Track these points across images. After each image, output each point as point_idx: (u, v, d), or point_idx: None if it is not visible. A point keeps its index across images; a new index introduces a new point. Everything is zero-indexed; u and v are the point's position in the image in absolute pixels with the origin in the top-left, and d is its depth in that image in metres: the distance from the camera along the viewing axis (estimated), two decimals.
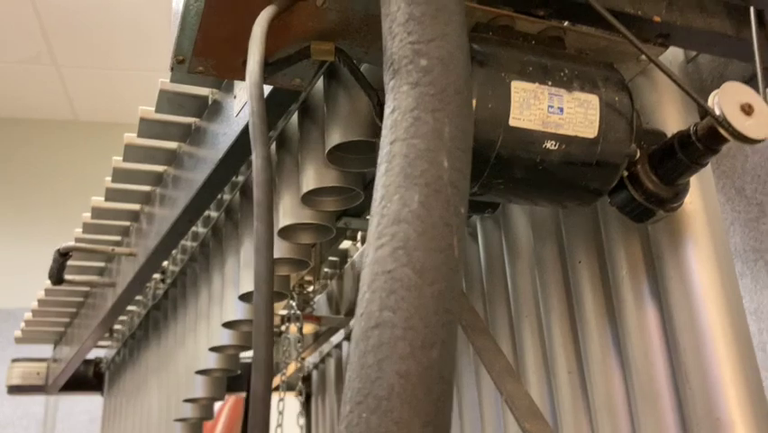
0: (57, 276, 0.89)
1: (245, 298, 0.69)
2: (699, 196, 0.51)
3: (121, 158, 0.78)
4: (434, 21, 0.29)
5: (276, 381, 1.35)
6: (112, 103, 2.92)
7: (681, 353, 0.49)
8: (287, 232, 0.62)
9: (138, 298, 1.10)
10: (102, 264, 1.05)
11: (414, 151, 0.27)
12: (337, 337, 1.37)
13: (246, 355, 1.43)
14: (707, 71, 0.59)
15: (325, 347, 1.46)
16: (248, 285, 0.69)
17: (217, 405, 2.29)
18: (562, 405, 0.61)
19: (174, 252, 0.91)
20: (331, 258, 1.10)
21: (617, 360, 0.56)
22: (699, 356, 0.48)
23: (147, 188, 0.85)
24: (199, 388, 0.85)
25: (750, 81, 0.60)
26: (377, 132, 0.52)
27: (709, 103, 0.41)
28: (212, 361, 0.81)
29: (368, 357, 0.24)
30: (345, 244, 1.08)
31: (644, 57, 0.49)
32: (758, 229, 1.06)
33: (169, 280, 0.98)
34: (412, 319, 0.24)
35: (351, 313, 1.06)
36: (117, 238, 0.97)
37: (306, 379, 1.62)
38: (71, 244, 0.89)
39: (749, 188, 1.07)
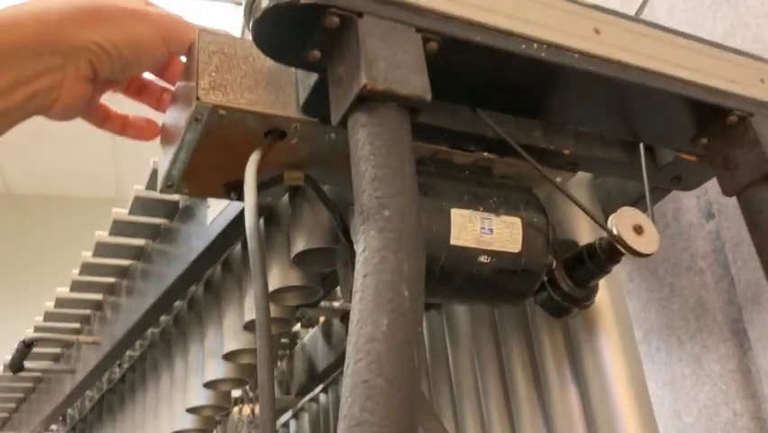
0: (18, 365, 0.92)
1: (210, 385, 0.75)
2: (608, 294, 0.61)
3: (90, 253, 0.84)
4: (393, 180, 0.38)
5: None
6: (45, 175, 2.92)
7: (598, 428, 0.58)
8: (250, 325, 0.69)
9: None
10: (58, 351, 1.08)
11: (382, 283, 0.35)
12: (284, 417, 1.41)
13: None
14: (611, 186, 0.70)
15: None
16: (213, 373, 0.75)
17: None
18: None
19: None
20: (281, 340, 1.16)
21: None
22: (611, 430, 0.57)
23: (112, 279, 0.90)
24: None
25: (642, 198, 0.72)
26: (336, 239, 0.60)
27: (608, 224, 0.51)
28: None
29: None
30: (296, 327, 1.15)
31: (558, 179, 0.60)
32: (670, 308, 1.18)
33: (126, 365, 1.02)
34: (386, 419, 0.32)
35: (301, 393, 1.11)
36: (77, 326, 1.01)
37: None
38: (35, 334, 0.92)
39: (661, 270, 1.19)
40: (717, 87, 0.54)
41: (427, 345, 0.86)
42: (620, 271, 1.33)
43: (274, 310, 0.68)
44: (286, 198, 0.64)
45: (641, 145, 0.58)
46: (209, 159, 0.52)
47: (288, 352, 1.17)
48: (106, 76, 0.50)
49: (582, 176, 0.66)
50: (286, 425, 1.42)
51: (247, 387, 1.08)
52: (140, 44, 0.50)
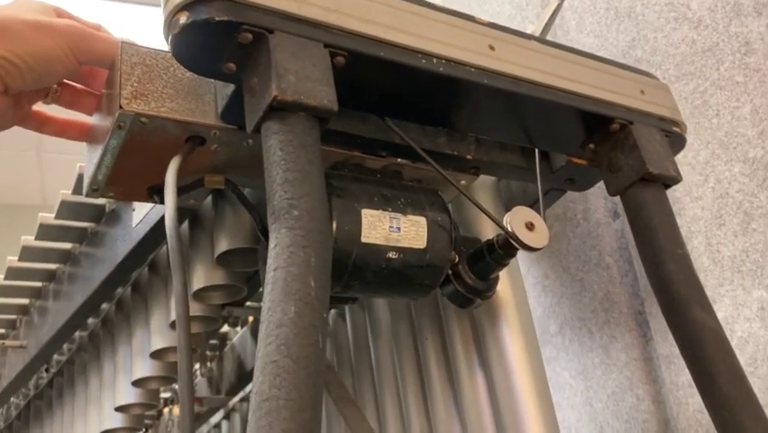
0: None
1: (139, 383, 0.78)
2: (509, 286, 0.67)
3: (16, 258, 0.85)
4: (302, 183, 0.42)
5: None
6: None
7: (501, 409, 0.63)
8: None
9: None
10: None
11: (290, 276, 0.39)
12: (216, 418, 1.43)
13: None
14: (514, 188, 0.76)
15: (204, 428, 1.51)
16: (141, 371, 0.77)
17: None
18: None
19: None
20: (211, 341, 1.18)
21: (457, 420, 0.70)
22: (513, 413, 0.62)
23: (39, 283, 0.91)
24: None
25: (544, 195, 0.78)
26: (257, 239, 0.64)
27: (503, 222, 0.56)
28: None
29: (261, 420, 0.35)
30: (225, 328, 1.17)
31: (462, 182, 0.65)
32: (581, 301, 1.26)
33: (54, 370, 1.02)
34: (291, 393, 0.36)
35: (231, 393, 1.14)
36: (2, 331, 1.01)
37: None
38: None
39: (572, 266, 1.27)
40: (601, 98, 0.61)
41: (351, 340, 0.91)
42: (535, 268, 1.41)
43: (200, 309, 0.71)
44: (209, 201, 0.67)
45: (536, 151, 0.64)
46: (133, 164, 0.55)
47: (217, 352, 1.19)
48: (19, 88, 0.52)
49: (487, 179, 0.71)
50: (218, 426, 1.44)
51: (177, 386, 1.10)
52: (46, 56, 0.51)
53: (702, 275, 0.99)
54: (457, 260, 0.60)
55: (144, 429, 1.53)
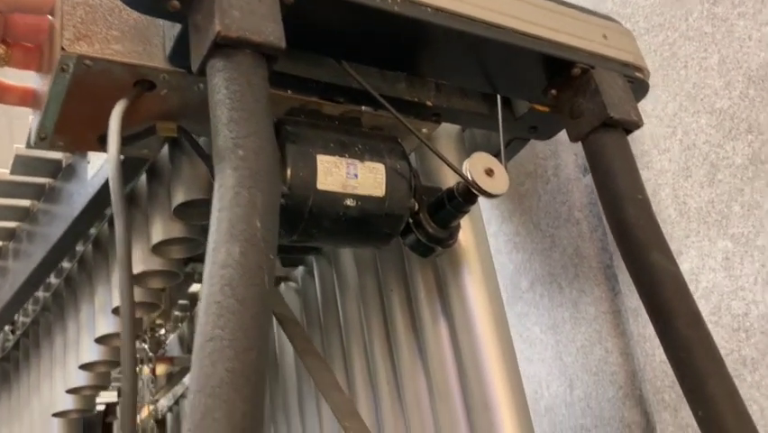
0: None
1: (102, 340, 0.77)
2: (472, 234, 0.66)
3: None
4: (248, 122, 0.41)
5: None
6: None
7: (463, 356, 0.63)
8: (139, 278, 0.71)
9: None
10: None
11: (235, 216, 0.38)
12: (188, 377, 1.42)
13: (101, 401, 1.45)
14: (479, 137, 0.75)
15: (179, 389, 1.51)
16: (104, 328, 0.76)
17: None
18: (383, 408, 0.74)
19: (26, 303, 0.95)
20: (181, 301, 1.17)
21: (422, 368, 0.70)
22: (474, 358, 0.62)
23: None
24: (56, 431, 0.90)
25: (508, 145, 0.78)
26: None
27: (462, 169, 0.56)
28: (69, 403, 0.86)
29: (205, 361, 0.35)
30: (195, 287, 1.16)
31: (424, 130, 0.64)
32: (551, 257, 1.27)
33: (19, 332, 1.01)
34: (235, 334, 0.35)
35: None
36: None
37: (161, 422, 1.65)
38: None
39: (543, 223, 1.27)
40: (563, 41, 0.60)
41: (319, 292, 0.90)
42: (506, 226, 1.41)
43: (160, 263, 0.70)
44: (167, 152, 0.66)
45: (498, 97, 0.63)
46: (80, 111, 0.53)
47: (188, 313, 1.18)
48: None
49: (451, 129, 0.70)
50: None
51: (146, 346, 1.09)
52: None
53: (669, 227, 1.00)
54: (417, 208, 0.59)
55: (119, 393, 1.53)
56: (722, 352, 0.89)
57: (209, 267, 0.37)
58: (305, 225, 0.53)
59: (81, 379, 0.83)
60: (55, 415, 0.88)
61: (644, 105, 1.01)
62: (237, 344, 0.35)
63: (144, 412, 1.46)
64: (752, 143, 0.87)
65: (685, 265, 0.97)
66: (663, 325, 0.53)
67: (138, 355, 1.08)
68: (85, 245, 0.83)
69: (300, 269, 0.97)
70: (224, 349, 0.34)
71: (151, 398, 1.07)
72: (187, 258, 0.72)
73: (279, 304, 0.73)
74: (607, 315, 1.10)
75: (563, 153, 1.26)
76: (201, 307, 0.37)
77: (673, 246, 1.01)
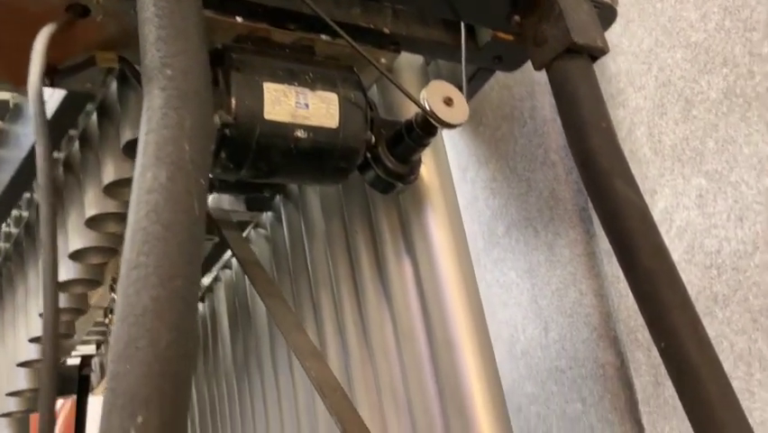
0: None
1: (62, 287, 0.75)
2: (435, 171, 0.64)
3: None
4: (176, 41, 0.38)
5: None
6: None
7: (426, 296, 0.62)
8: (94, 222, 0.68)
9: None
10: None
11: (162, 138, 0.36)
12: None
13: (77, 354, 1.44)
14: (445, 69, 0.72)
15: None
16: (64, 274, 0.74)
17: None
18: (351, 350, 0.73)
19: None
20: None
21: (387, 309, 0.69)
22: (437, 296, 0.61)
23: None
24: (22, 380, 0.88)
25: (473, 76, 0.75)
26: None
27: (420, 98, 0.53)
28: (33, 352, 0.85)
29: (129, 289, 0.33)
30: None
31: (383, 60, 0.61)
32: (527, 201, 1.25)
33: None
34: (160, 261, 0.33)
35: None
36: None
37: None
38: None
39: (520, 166, 1.25)
40: None
41: (287, 238, 0.88)
42: (483, 171, 1.39)
43: (114, 206, 0.67)
44: (116, 89, 0.63)
45: (462, 24, 0.60)
46: (12, 39, 0.50)
47: None
48: None
49: (414, 60, 0.68)
50: None
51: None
52: None
53: (644, 166, 0.98)
54: (375, 142, 0.57)
55: (97, 345, 1.52)
56: (694, 290, 0.88)
57: (135, 193, 0.35)
58: (253, 158, 0.50)
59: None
60: (20, 365, 0.86)
61: (620, 42, 0.98)
62: (162, 271, 0.33)
63: None
64: (727, 77, 0.85)
65: (660, 204, 0.96)
66: (626, 256, 0.52)
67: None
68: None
69: (269, 214, 0.95)
70: (149, 277, 0.32)
71: None
72: None
73: (241, 247, 0.71)
74: (581, 257, 1.09)
75: (539, 95, 1.23)
76: (127, 235, 0.35)
77: (648, 185, 0.99)
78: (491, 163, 1.34)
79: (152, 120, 0.36)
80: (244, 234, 1.02)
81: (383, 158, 0.57)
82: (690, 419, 0.49)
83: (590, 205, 1.18)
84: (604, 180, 0.52)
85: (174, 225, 0.34)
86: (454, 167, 1.43)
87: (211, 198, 0.94)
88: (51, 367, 0.38)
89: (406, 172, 0.59)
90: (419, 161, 0.60)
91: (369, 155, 0.57)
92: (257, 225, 0.99)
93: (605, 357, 1.05)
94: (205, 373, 1.22)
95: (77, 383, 1.48)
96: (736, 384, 0.82)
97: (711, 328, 0.84)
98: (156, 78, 0.37)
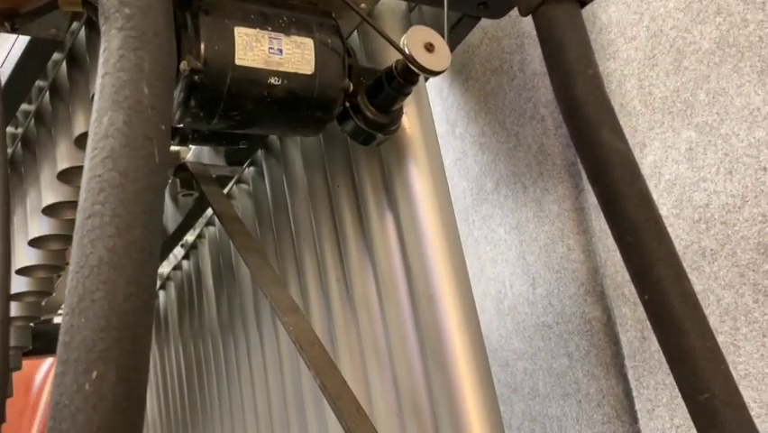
0: None
1: (36, 243, 0.73)
2: (417, 121, 0.62)
3: None
4: None
5: None
6: None
7: (407, 249, 0.60)
8: (65, 175, 0.66)
9: None
10: None
11: (119, 81, 0.34)
12: None
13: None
14: (428, 16, 0.70)
15: None
16: (37, 230, 0.73)
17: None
18: (334, 307, 0.72)
19: None
20: None
21: (370, 265, 0.67)
22: (419, 249, 0.59)
23: None
24: None
25: (457, 24, 0.73)
26: None
27: (400, 44, 0.51)
28: (13, 310, 0.83)
29: (84, 240, 0.31)
30: None
31: (362, 5, 0.59)
32: (516, 156, 1.24)
33: None
34: (117, 209, 0.31)
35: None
36: None
37: None
38: None
39: (508, 121, 1.23)
40: None
41: (269, 193, 0.87)
42: (472, 126, 1.37)
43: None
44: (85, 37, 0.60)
45: None
46: None
47: None
48: None
49: (397, 6, 0.65)
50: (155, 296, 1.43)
51: None
52: None
53: (634, 119, 0.96)
54: (354, 90, 0.54)
55: None
56: (682, 244, 0.87)
57: (91, 138, 0.33)
58: (225, 106, 0.48)
59: (22, 285, 0.80)
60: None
61: None
62: (119, 220, 0.31)
63: None
64: (720, 26, 0.83)
65: (649, 158, 0.94)
66: (611, 206, 0.50)
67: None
68: (14, 146, 0.78)
69: (251, 169, 0.93)
70: (105, 226, 0.31)
71: None
72: None
73: (220, 202, 0.69)
74: (570, 212, 1.08)
75: (529, 47, 1.20)
76: (82, 183, 0.33)
77: (637, 139, 0.98)
78: (480, 118, 1.32)
79: (109, 62, 0.34)
80: (227, 190, 1.00)
81: (363, 107, 0.55)
82: (673, 372, 0.49)
83: (579, 160, 1.16)
84: (590, 130, 0.51)
85: (131, 173, 0.32)
86: (443, 122, 1.41)
87: (191, 153, 0.92)
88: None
89: (387, 122, 0.57)
90: (401, 111, 0.58)
91: (348, 104, 0.55)
92: (240, 181, 0.97)
93: (592, 312, 1.05)
94: (191, 331, 1.22)
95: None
96: (721, 339, 0.82)
97: (698, 283, 0.84)
98: (113, 18, 0.35)
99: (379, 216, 0.64)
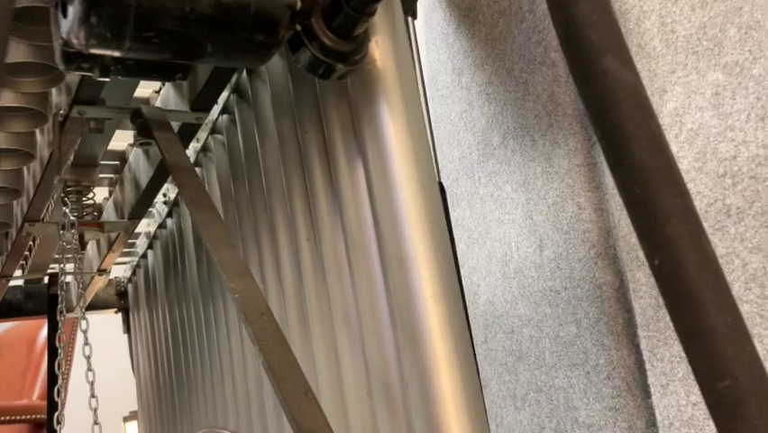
0: None
1: None
2: (391, 53, 0.52)
3: None
4: None
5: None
6: None
7: (376, 204, 0.51)
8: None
9: None
10: None
11: None
12: (142, 247, 1.34)
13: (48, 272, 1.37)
14: None
15: (135, 259, 1.43)
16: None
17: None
18: (305, 270, 0.64)
19: None
20: (111, 162, 1.05)
21: (339, 223, 0.59)
22: (388, 204, 0.50)
23: None
24: None
25: None
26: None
27: None
28: None
29: None
30: (123, 145, 1.04)
31: None
32: (524, 107, 1.13)
33: None
34: None
35: (133, 217, 1.03)
36: None
37: (123, 294, 1.58)
38: None
39: (516, 68, 1.13)
40: None
41: (242, 146, 0.78)
42: (479, 75, 1.26)
43: (13, 99, 0.57)
44: None
45: None
46: None
47: (119, 175, 1.07)
48: None
49: None
50: (144, 256, 1.36)
51: (67, 210, 0.98)
52: None
53: (653, 62, 0.86)
54: (303, 8, 0.45)
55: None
56: (704, 202, 0.77)
57: None
58: (135, 24, 0.39)
59: None
60: None
61: None
62: None
63: (98, 284, 1.39)
64: None
65: (669, 105, 0.84)
66: (615, 151, 0.41)
67: (59, 221, 0.98)
68: None
69: (225, 117, 0.84)
70: None
71: (78, 267, 0.97)
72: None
73: (172, 151, 0.60)
74: (581, 168, 0.99)
75: None
76: None
77: (657, 84, 0.87)
78: (487, 65, 1.22)
79: None
80: (202, 142, 0.91)
81: (318, 32, 0.46)
82: (687, 354, 0.39)
83: (578, 94, 1.07)
84: (590, 57, 0.41)
85: None
86: (449, 71, 1.31)
87: (159, 99, 0.83)
88: None
89: (349, 51, 0.47)
90: (365, 38, 0.49)
91: (300, 28, 0.46)
92: (215, 131, 0.88)
93: (603, 277, 0.96)
94: (176, 291, 1.15)
95: (47, 301, 1.41)
96: (746, 308, 0.72)
97: (721, 246, 0.74)
98: None
99: (349, 167, 0.55)
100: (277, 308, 0.69)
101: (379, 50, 0.51)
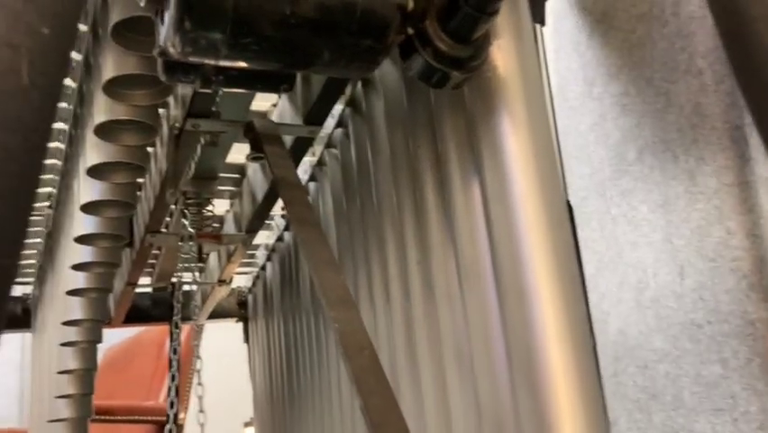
0: None
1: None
2: (515, 58, 0.46)
3: None
4: None
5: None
6: None
7: (492, 226, 0.46)
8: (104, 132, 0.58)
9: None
10: None
11: None
12: (261, 259, 1.35)
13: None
14: None
15: (255, 270, 1.45)
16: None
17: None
18: (414, 294, 0.59)
19: None
20: (232, 175, 1.06)
21: (451, 245, 0.53)
22: (507, 230, 0.44)
23: None
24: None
25: None
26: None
27: None
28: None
29: None
30: (240, 158, 1.04)
31: None
32: (665, 120, 1.03)
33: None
34: None
35: (251, 229, 1.03)
36: None
37: (243, 304, 1.60)
38: None
39: (657, 77, 1.03)
40: None
41: (355, 160, 0.75)
42: (614, 85, 1.17)
43: (123, 111, 0.56)
44: None
45: None
46: None
47: (239, 188, 1.08)
48: None
49: None
50: (263, 268, 1.37)
51: (186, 222, 0.99)
52: None
53: None
54: (416, 9, 0.40)
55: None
56: None
57: None
58: (233, 29, 0.36)
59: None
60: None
61: None
62: None
63: (219, 294, 1.41)
64: None
65: None
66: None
67: (180, 233, 0.99)
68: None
69: (339, 131, 0.81)
70: None
71: (196, 277, 0.97)
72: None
73: (280, 165, 0.58)
74: (731, 188, 0.88)
75: None
76: None
77: None
78: (623, 75, 1.12)
79: None
80: (317, 156, 0.89)
81: (432, 36, 0.41)
82: None
83: (747, 121, 0.96)
84: (746, 28, 0.33)
85: None
86: (579, 81, 1.22)
87: (275, 113, 0.82)
88: None
89: (466, 56, 0.42)
90: (486, 41, 0.43)
91: (412, 32, 0.41)
92: (330, 145, 0.86)
93: (756, 312, 0.85)
94: (290, 307, 1.14)
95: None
96: None
97: None
98: None
99: (464, 186, 0.50)
100: (384, 334, 0.65)
101: (502, 55, 0.46)
